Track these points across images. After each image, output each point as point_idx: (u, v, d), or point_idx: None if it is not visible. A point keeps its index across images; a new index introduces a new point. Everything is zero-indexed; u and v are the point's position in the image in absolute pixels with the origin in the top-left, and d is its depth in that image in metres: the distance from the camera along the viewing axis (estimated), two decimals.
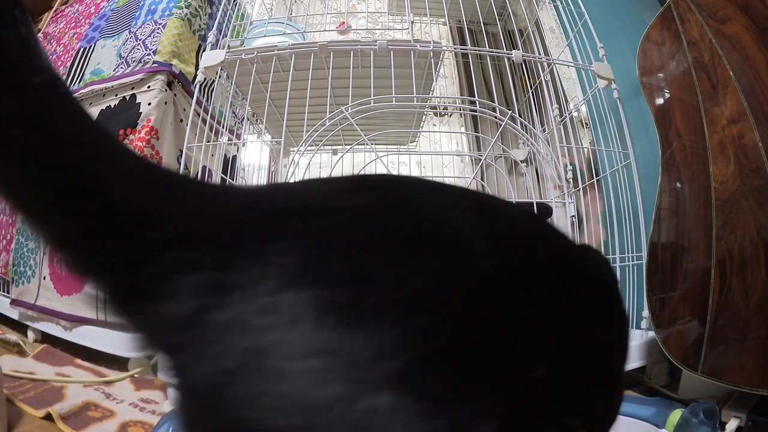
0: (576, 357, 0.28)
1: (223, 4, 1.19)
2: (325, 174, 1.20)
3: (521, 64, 1.24)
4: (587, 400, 0.28)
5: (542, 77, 1.09)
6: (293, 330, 0.20)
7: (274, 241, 0.22)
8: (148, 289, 0.22)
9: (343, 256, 0.22)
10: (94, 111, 1.22)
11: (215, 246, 0.22)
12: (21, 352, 1.09)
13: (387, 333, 0.20)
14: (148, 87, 1.16)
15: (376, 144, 0.97)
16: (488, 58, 1.03)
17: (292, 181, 0.93)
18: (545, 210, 0.72)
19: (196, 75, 1.09)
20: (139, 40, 1.25)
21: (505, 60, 1.02)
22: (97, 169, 0.23)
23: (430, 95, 1.27)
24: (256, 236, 0.23)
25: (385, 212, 0.26)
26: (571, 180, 1.13)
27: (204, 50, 1.16)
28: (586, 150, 1.26)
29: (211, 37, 1.10)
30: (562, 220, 1.01)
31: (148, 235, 0.22)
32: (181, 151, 1.14)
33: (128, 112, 1.15)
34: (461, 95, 1.73)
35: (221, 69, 1.06)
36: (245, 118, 1.46)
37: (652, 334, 0.86)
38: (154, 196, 0.24)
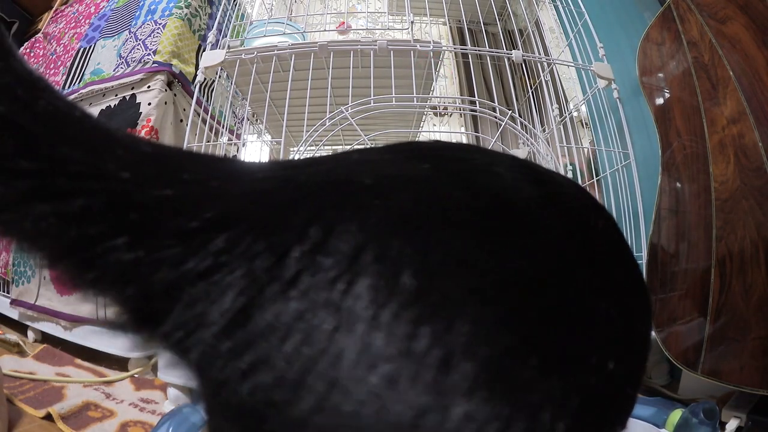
0: (630, 350, 0.25)
1: (223, 4, 1.19)
2: None
3: (521, 64, 1.23)
4: (625, 401, 0.25)
5: (542, 77, 1.09)
6: (351, 332, 0.17)
7: (327, 223, 0.19)
8: (174, 294, 0.18)
9: (406, 237, 0.19)
10: (94, 111, 1.21)
11: (256, 232, 0.19)
12: (21, 352, 1.09)
13: (457, 330, 0.17)
14: (148, 87, 1.16)
15: (376, 144, 0.97)
16: (488, 58, 1.03)
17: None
18: None
19: (196, 75, 1.09)
20: (139, 40, 1.25)
21: (505, 60, 1.02)
22: (96, 164, 0.20)
23: (430, 95, 1.27)
24: (303, 218, 0.19)
25: (445, 184, 0.22)
26: None
27: (204, 50, 1.16)
28: (586, 150, 1.26)
29: (211, 37, 1.10)
30: None
31: (172, 226, 0.19)
32: None
33: (128, 112, 1.15)
34: (461, 95, 1.73)
35: (221, 69, 1.06)
36: (245, 118, 1.46)
37: (652, 334, 0.86)
38: (174, 180, 0.20)
